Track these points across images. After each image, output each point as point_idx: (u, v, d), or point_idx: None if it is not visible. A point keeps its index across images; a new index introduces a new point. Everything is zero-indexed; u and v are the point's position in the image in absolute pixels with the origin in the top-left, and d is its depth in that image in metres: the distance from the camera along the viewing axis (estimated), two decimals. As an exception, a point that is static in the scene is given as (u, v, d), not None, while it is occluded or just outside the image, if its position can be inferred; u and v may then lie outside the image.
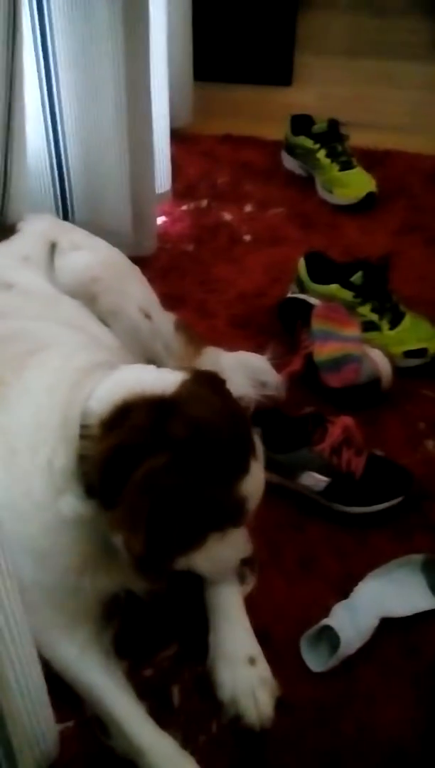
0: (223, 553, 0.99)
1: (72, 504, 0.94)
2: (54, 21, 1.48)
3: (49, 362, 1.03)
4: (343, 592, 1.15)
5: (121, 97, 1.54)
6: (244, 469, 0.94)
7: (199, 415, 0.91)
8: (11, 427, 0.96)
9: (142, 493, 0.87)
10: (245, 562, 1.13)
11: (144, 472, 0.87)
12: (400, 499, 1.27)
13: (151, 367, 1.01)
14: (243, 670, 1.05)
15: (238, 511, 0.96)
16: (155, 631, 1.12)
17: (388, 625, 1.11)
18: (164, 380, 0.94)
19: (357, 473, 1.26)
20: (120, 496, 0.89)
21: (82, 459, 0.93)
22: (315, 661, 1.09)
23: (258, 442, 0.98)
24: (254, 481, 0.96)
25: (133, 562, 0.89)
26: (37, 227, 1.38)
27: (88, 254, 1.32)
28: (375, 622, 1.10)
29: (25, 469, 0.95)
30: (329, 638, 1.09)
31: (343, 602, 1.12)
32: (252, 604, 1.12)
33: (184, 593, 1.12)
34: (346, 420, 1.29)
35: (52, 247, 1.33)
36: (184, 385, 0.94)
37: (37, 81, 1.53)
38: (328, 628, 1.09)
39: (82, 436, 0.93)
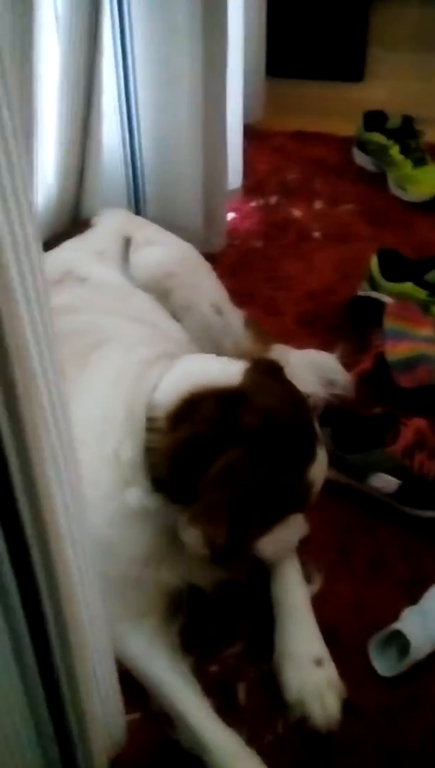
0: (287, 535, 1.01)
1: (138, 496, 0.95)
2: (133, 17, 1.49)
3: (110, 357, 1.04)
4: (412, 596, 1.13)
5: (197, 94, 1.55)
6: (312, 455, 0.96)
7: (268, 404, 0.92)
8: (78, 422, 0.97)
9: (221, 486, 0.88)
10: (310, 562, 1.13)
11: (222, 466, 0.88)
12: (473, 504, 1.24)
13: (212, 357, 1.02)
14: (310, 671, 1.04)
15: (307, 496, 0.98)
16: (221, 627, 1.12)
17: (458, 633, 1.09)
18: (228, 370, 0.95)
19: (429, 476, 1.24)
20: (193, 489, 0.89)
21: (149, 451, 0.94)
22: (383, 665, 1.07)
23: (318, 427, 1.01)
24: (320, 466, 0.99)
25: (213, 554, 0.90)
26: (112, 222, 1.40)
27: (162, 249, 1.33)
28: (446, 629, 1.08)
29: (92, 460, 0.96)
30: (398, 643, 1.07)
31: (414, 607, 1.10)
32: (320, 605, 1.10)
33: (251, 590, 1.12)
34: (420, 422, 1.26)
35: (127, 242, 1.35)
36: (248, 375, 0.95)
37: (114, 77, 1.55)
38: (398, 633, 1.07)
39: (149, 429, 0.94)
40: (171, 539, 0.97)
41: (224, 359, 1.00)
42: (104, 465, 0.96)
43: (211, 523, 0.88)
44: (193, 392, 0.92)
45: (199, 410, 0.91)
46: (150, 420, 0.94)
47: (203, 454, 0.89)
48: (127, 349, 1.05)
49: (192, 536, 0.91)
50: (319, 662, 1.04)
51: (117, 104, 1.58)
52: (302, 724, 1.02)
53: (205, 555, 0.93)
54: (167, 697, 1.01)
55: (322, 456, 0.99)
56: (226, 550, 0.89)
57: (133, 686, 1.02)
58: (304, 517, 1.08)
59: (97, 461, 0.96)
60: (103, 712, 0.85)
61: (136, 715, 1.03)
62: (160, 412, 0.93)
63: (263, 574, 1.11)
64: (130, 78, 1.55)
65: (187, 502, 0.92)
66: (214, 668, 1.08)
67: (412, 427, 1.26)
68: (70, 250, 1.34)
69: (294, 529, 1.03)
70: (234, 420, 0.89)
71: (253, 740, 0.99)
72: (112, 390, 0.98)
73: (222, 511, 0.88)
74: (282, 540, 1.01)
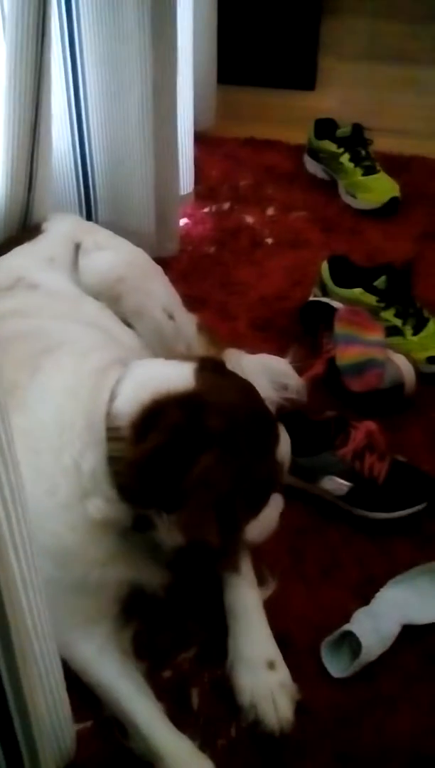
0: (267, 514, 1.04)
1: (99, 507, 0.95)
2: (82, 21, 1.48)
3: (63, 363, 1.03)
4: (364, 598, 1.14)
5: (147, 99, 1.55)
6: (276, 437, 1.01)
7: (227, 403, 0.94)
8: (32, 430, 0.96)
9: (204, 491, 0.90)
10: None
11: (200, 471, 0.89)
12: (423, 505, 1.26)
13: (162, 360, 1.03)
14: (262, 675, 1.04)
15: (279, 475, 1.03)
16: (174, 632, 1.12)
17: (409, 633, 1.10)
18: (181, 374, 0.97)
19: (379, 479, 1.25)
20: (166, 494, 0.91)
21: (112, 460, 0.93)
22: (336, 666, 1.08)
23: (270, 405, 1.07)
24: (284, 444, 1.04)
25: (205, 555, 0.93)
26: (62, 227, 1.38)
27: (113, 254, 1.32)
28: (397, 629, 1.09)
29: (48, 469, 0.96)
30: (350, 644, 1.08)
31: (365, 608, 1.12)
32: (272, 608, 1.11)
33: (204, 595, 1.12)
34: (370, 425, 1.28)
35: (77, 248, 1.34)
36: (200, 376, 0.97)
37: (63, 81, 1.54)
38: (350, 634, 1.08)
39: (111, 438, 0.93)
40: (125, 539, 0.98)
41: (173, 362, 1.01)
42: (62, 474, 0.95)
43: (203, 527, 0.90)
44: (154, 399, 0.93)
45: (163, 418, 0.92)
46: (111, 429, 0.94)
47: (175, 461, 0.90)
48: (80, 355, 1.04)
49: (174, 539, 0.93)
50: (271, 665, 1.05)
51: (66, 108, 1.57)
52: (255, 727, 1.02)
53: (182, 553, 0.95)
54: (119, 704, 1.00)
55: (284, 435, 1.04)
56: (221, 547, 0.92)
57: (83, 694, 1.01)
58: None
59: (54, 470, 0.95)
60: (51, 721, 0.84)
61: (87, 724, 1.02)
62: (123, 422, 0.93)
63: (216, 578, 1.11)
64: (80, 81, 1.54)
65: (162, 507, 0.93)
66: (167, 673, 1.08)
67: (363, 430, 1.27)
68: (20, 257, 1.33)
69: (273, 507, 1.06)
70: (200, 424, 0.91)
71: (206, 745, 0.99)
72: (68, 400, 0.98)
73: (210, 514, 0.90)
74: (264, 520, 1.04)
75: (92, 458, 0.94)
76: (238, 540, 0.98)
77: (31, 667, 0.75)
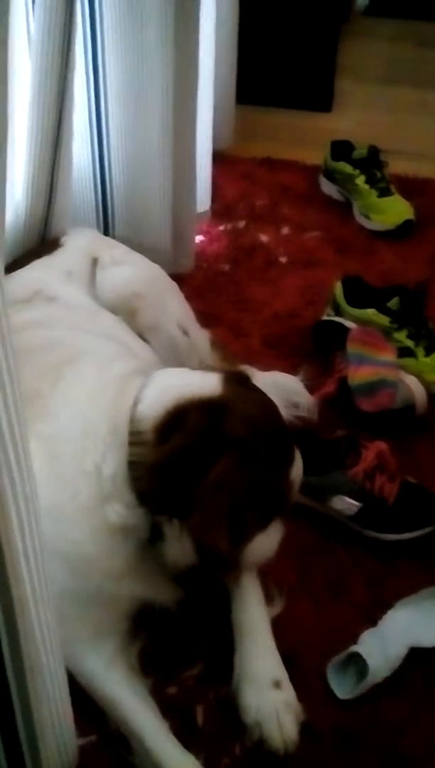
0: (269, 540, 1.02)
1: (119, 512, 0.95)
2: (106, 39, 1.50)
3: (85, 371, 1.04)
4: (372, 619, 1.14)
5: (168, 117, 1.57)
6: (292, 457, 1.01)
7: (249, 412, 0.95)
8: (54, 436, 0.97)
9: (219, 493, 0.90)
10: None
11: (218, 473, 0.90)
12: (432, 527, 1.25)
13: (187, 370, 1.04)
14: (268, 693, 1.04)
15: (290, 496, 1.02)
16: (181, 649, 1.11)
17: (416, 655, 1.10)
18: (207, 382, 0.98)
19: (390, 499, 1.25)
20: (183, 500, 0.91)
21: (133, 465, 0.94)
22: (341, 687, 1.07)
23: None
24: (298, 467, 1.02)
25: (212, 562, 0.93)
26: (80, 242, 1.40)
27: (130, 269, 1.33)
28: (404, 651, 1.09)
29: (70, 474, 0.96)
30: (357, 665, 1.08)
31: (372, 630, 1.11)
32: (279, 627, 1.11)
33: (211, 612, 1.11)
34: (381, 445, 1.28)
35: (94, 262, 1.35)
36: (225, 385, 0.97)
37: (86, 98, 1.56)
38: (356, 655, 1.07)
39: (132, 443, 0.94)
40: (142, 553, 0.98)
41: (199, 372, 1.02)
42: (83, 479, 0.96)
43: (213, 531, 0.90)
44: (178, 404, 0.94)
45: (186, 421, 0.92)
46: (133, 434, 0.94)
47: (194, 464, 0.91)
48: (102, 365, 1.06)
49: (182, 547, 0.92)
50: (277, 684, 1.04)
51: (88, 124, 1.59)
52: (260, 746, 1.01)
53: (188, 565, 0.95)
54: (125, 719, 1.00)
55: (298, 458, 1.03)
56: (227, 556, 0.91)
57: (88, 708, 1.01)
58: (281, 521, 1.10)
59: (75, 475, 0.96)
60: (55, 733, 0.84)
61: (92, 738, 1.01)
62: (146, 426, 0.94)
63: (224, 595, 1.11)
64: (102, 98, 1.56)
65: (175, 513, 0.93)
66: (172, 690, 1.08)
67: (373, 450, 1.27)
68: (39, 270, 1.34)
69: (275, 533, 1.04)
70: (221, 428, 0.92)
71: (210, 763, 0.99)
72: (92, 405, 0.99)
73: (222, 517, 0.90)
74: (265, 545, 1.03)
75: (113, 463, 0.95)
76: (243, 552, 0.97)
77: (39, 680, 0.75)
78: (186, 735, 1.01)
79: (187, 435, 0.91)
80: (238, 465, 0.91)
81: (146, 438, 0.93)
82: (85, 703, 1.01)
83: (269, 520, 1.01)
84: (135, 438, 0.94)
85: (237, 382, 1.01)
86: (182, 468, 0.91)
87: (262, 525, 0.99)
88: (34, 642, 0.75)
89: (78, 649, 1.01)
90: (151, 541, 0.97)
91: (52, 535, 0.85)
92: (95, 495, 0.95)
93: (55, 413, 0.99)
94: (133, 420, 0.95)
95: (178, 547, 0.94)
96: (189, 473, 0.90)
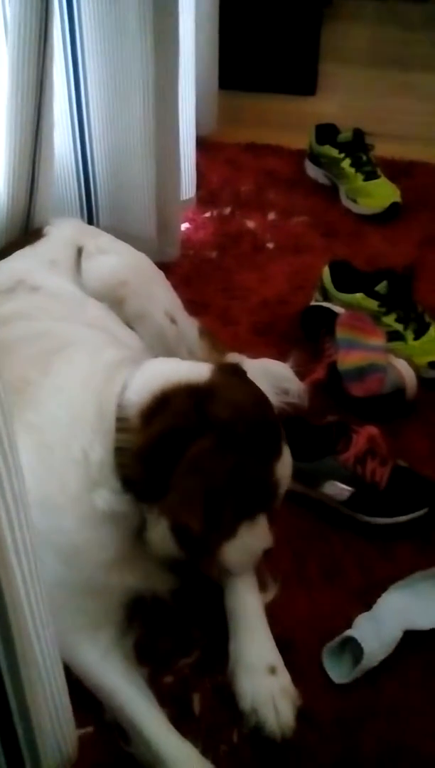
0: (252, 542, 1.01)
1: (106, 498, 0.95)
2: (84, 28, 1.49)
3: (76, 359, 1.04)
4: (366, 603, 1.14)
5: (149, 104, 1.55)
6: (278, 451, 0.99)
7: (236, 399, 0.94)
8: (44, 424, 0.97)
9: (194, 473, 0.89)
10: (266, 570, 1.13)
11: (194, 453, 0.89)
12: (424, 510, 1.26)
13: (177, 360, 1.04)
14: (264, 680, 1.04)
15: (273, 494, 1.00)
16: (176, 637, 1.11)
17: (411, 638, 1.10)
18: (197, 370, 0.98)
19: (381, 484, 1.25)
20: (165, 485, 0.90)
21: (119, 451, 0.94)
22: (337, 672, 1.08)
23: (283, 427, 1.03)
24: (286, 465, 1.01)
25: (185, 545, 0.91)
26: (64, 231, 1.39)
27: (115, 258, 1.32)
28: (398, 635, 1.09)
29: (59, 464, 0.96)
30: (352, 650, 1.08)
31: (367, 614, 1.11)
32: (274, 613, 1.11)
33: (205, 600, 1.11)
34: (371, 430, 1.28)
35: (79, 251, 1.34)
36: (216, 374, 0.97)
37: (65, 87, 1.54)
38: (352, 640, 1.07)
39: (119, 429, 0.94)
40: (135, 543, 0.98)
41: (190, 362, 1.03)
42: (72, 466, 0.96)
43: (186, 509, 0.89)
44: (164, 389, 0.94)
45: (170, 405, 0.92)
46: (121, 420, 0.95)
47: (176, 447, 0.90)
48: (92, 352, 1.06)
49: (161, 532, 0.92)
50: (272, 670, 1.04)
51: (68, 112, 1.57)
52: (257, 732, 1.01)
53: (170, 553, 0.94)
54: (122, 709, 1.00)
55: (287, 456, 1.01)
56: (200, 539, 0.90)
57: (85, 699, 1.01)
58: (269, 527, 1.07)
59: (64, 463, 0.96)
60: (53, 725, 0.84)
61: (89, 729, 1.01)
62: (132, 411, 0.94)
63: (217, 582, 1.11)
64: (82, 86, 1.55)
65: (158, 499, 0.92)
66: (168, 679, 1.08)
67: (364, 435, 1.27)
68: (22, 260, 1.33)
69: (259, 537, 1.03)
70: (204, 411, 0.92)
71: (208, 751, 0.99)
72: (81, 391, 0.99)
73: (197, 497, 0.89)
74: (247, 548, 1.01)
75: (100, 449, 0.95)
76: (218, 543, 0.95)
77: (33, 671, 0.75)
78: (183, 723, 1.01)
79: (169, 417, 0.91)
80: (216, 446, 0.90)
81: (133, 424, 0.93)
82: (82, 694, 1.01)
83: (251, 512, 0.98)
84: (122, 424, 0.94)
85: (231, 372, 1.01)
86: (164, 452, 0.90)
87: (242, 516, 0.96)
88: (28, 634, 0.74)
89: (73, 640, 1.01)
90: (142, 531, 0.97)
91: (43, 526, 0.84)
92: (83, 482, 0.95)
93: (45, 401, 0.98)
94: (120, 406, 0.95)
95: (159, 533, 0.94)
96: (171, 457, 0.90)
